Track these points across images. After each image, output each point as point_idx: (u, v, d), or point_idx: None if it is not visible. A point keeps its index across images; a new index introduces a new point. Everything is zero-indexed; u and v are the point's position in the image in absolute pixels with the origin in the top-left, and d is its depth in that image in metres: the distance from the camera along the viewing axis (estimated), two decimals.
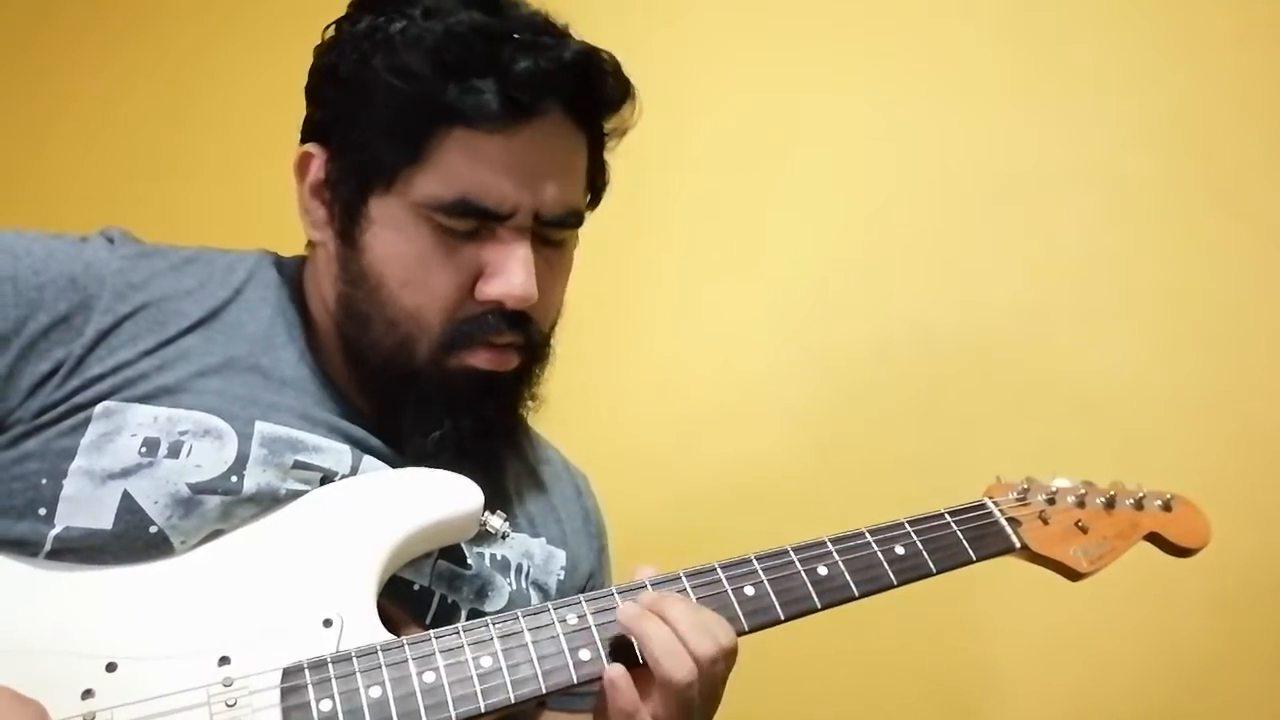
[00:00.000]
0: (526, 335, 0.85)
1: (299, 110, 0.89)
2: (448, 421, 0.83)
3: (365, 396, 0.87)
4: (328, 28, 0.86)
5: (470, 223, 0.81)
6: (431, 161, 0.79)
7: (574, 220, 0.87)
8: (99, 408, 0.76)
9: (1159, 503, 0.95)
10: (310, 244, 0.91)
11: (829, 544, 0.84)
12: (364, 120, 0.81)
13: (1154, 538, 0.95)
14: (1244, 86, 1.39)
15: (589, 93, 0.83)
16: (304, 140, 0.87)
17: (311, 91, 0.87)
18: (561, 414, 0.96)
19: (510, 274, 0.81)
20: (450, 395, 0.83)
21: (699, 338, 1.56)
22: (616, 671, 0.73)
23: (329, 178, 0.84)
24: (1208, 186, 1.39)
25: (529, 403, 0.91)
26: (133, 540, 0.74)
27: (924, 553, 0.86)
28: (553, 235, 0.85)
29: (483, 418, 0.85)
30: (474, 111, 0.78)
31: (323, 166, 0.84)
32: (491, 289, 0.81)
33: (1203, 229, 1.38)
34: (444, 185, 0.79)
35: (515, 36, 0.79)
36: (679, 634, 0.73)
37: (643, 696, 0.73)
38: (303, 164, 0.86)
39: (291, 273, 0.91)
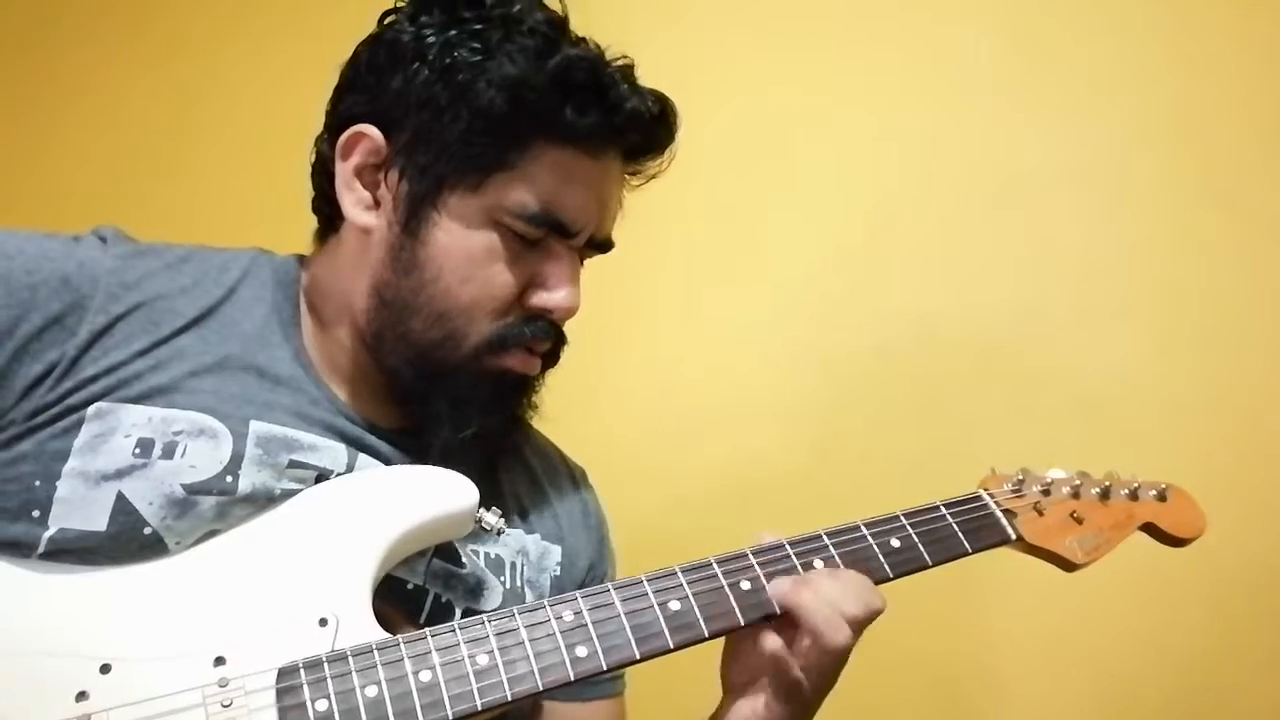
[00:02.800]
0: (554, 345, 0.89)
1: (300, 111, 0.90)
2: (478, 419, 0.85)
3: (372, 392, 0.88)
4: (390, 14, 0.87)
5: (541, 233, 0.84)
6: (524, 171, 0.82)
7: (610, 247, 0.92)
8: (92, 409, 0.76)
9: (1154, 493, 0.95)
10: (319, 235, 0.92)
11: (824, 538, 0.85)
12: (458, 118, 0.81)
13: (1149, 528, 0.95)
14: (1243, 87, 1.39)
15: (653, 138, 0.89)
16: (346, 116, 0.86)
17: (372, 75, 0.86)
18: (563, 414, 0.97)
19: (565, 289, 0.86)
20: (481, 394, 0.85)
21: (699, 338, 1.56)
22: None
23: (389, 163, 0.85)
24: (1207, 186, 1.39)
25: (529, 409, 0.92)
26: (127, 541, 0.74)
27: (919, 545, 0.86)
28: (588, 256, 0.91)
29: (509, 417, 0.88)
30: (583, 133, 0.83)
31: (378, 151, 0.85)
32: (547, 301, 0.85)
33: (1202, 229, 1.38)
34: (532, 196, 0.83)
35: (621, 74, 0.85)
36: (833, 603, 0.78)
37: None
38: (351, 144, 0.85)
39: (286, 270, 0.91)
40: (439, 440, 0.85)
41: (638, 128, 0.86)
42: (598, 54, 0.84)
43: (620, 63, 0.86)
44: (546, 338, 0.87)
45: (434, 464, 0.84)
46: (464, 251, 0.83)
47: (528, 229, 0.83)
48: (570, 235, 0.85)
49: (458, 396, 0.84)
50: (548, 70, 0.81)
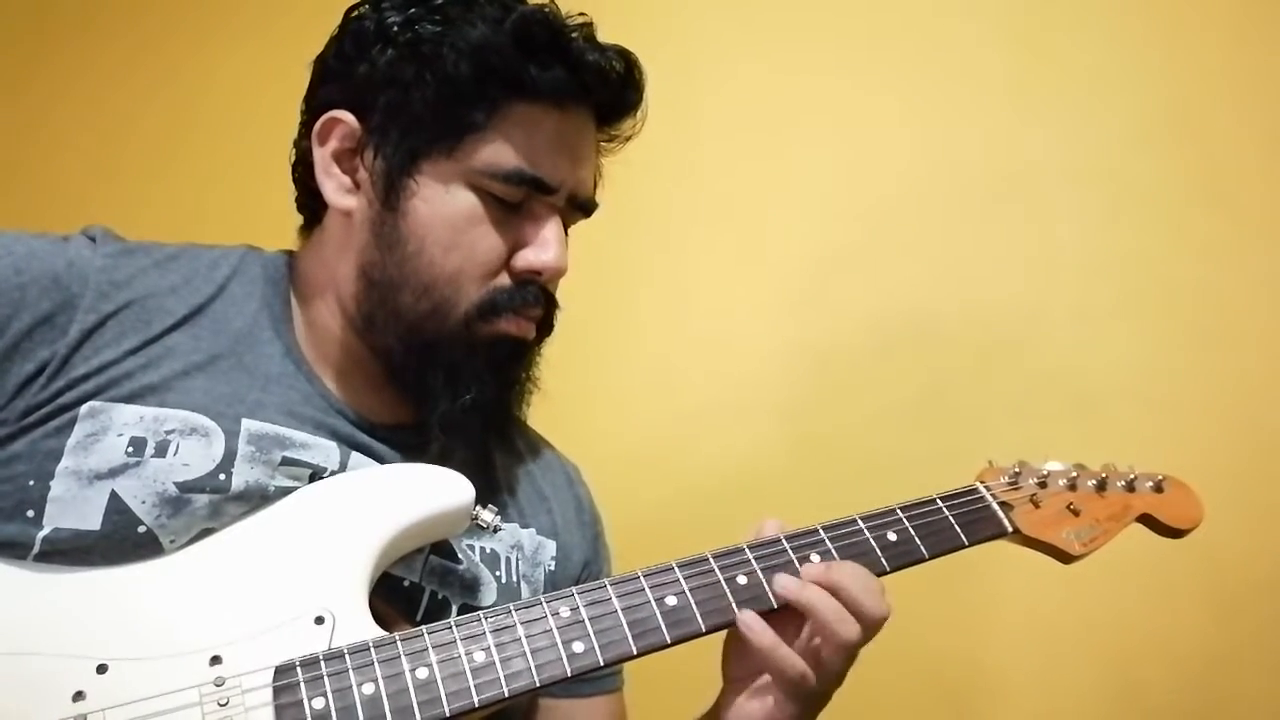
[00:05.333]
0: (546, 310, 0.89)
1: (295, 111, 0.90)
2: (475, 386, 0.85)
3: (367, 383, 0.87)
4: (354, 9, 0.88)
5: (520, 193, 0.84)
6: (495, 130, 0.83)
7: (593, 208, 0.92)
8: (84, 408, 0.75)
9: (1150, 484, 0.95)
10: (304, 230, 0.92)
11: (821, 531, 0.84)
12: (427, 87, 0.82)
13: (1146, 519, 0.94)
14: (1242, 86, 1.39)
15: (622, 96, 0.89)
16: (321, 108, 0.86)
17: (342, 60, 0.87)
18: (559, 411, 0.96)
19: (551, 247, 0.85)
20: (476, 361, 0.85)
21: (696, 335, 1.56)
22: (749, 616, 0.78)
23: (364, 143, 0.85)
24: (1206, 185, 1.39)
25: (529, 385, 0.92)
26: (121, 540, 0.74)
27: (916, 538, 0.86)
28: (572, 219, 0.91)
29: (506, 384, 0.88)
30: (548, 88, 0.83)
31: (353, 134, 0.85)
32: (534, 261, 0.85)
33: (1201, 228, 1.38)
34: (505, 153, 0.83)
35: (581, 32, 0.86)
36: (845, 596, 0.77)
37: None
38: (326, 129, 0.86)
39: (276, 266, 0.90)
40: (437, 416, 0.84)
41: (604, 83, 0.86)
42: (556, 12, 0.85)
43: (580, 20, 0.86)
44: (537, 303, 0.87)
45: (430, 461, 0.83)
46: (444, 219, 0.83)
47: (506, 189, 0.84)
48: (549, 191, 0.85)
49: (453, 366, 0.84)
50: (507, 29, 0.82)
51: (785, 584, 0.80)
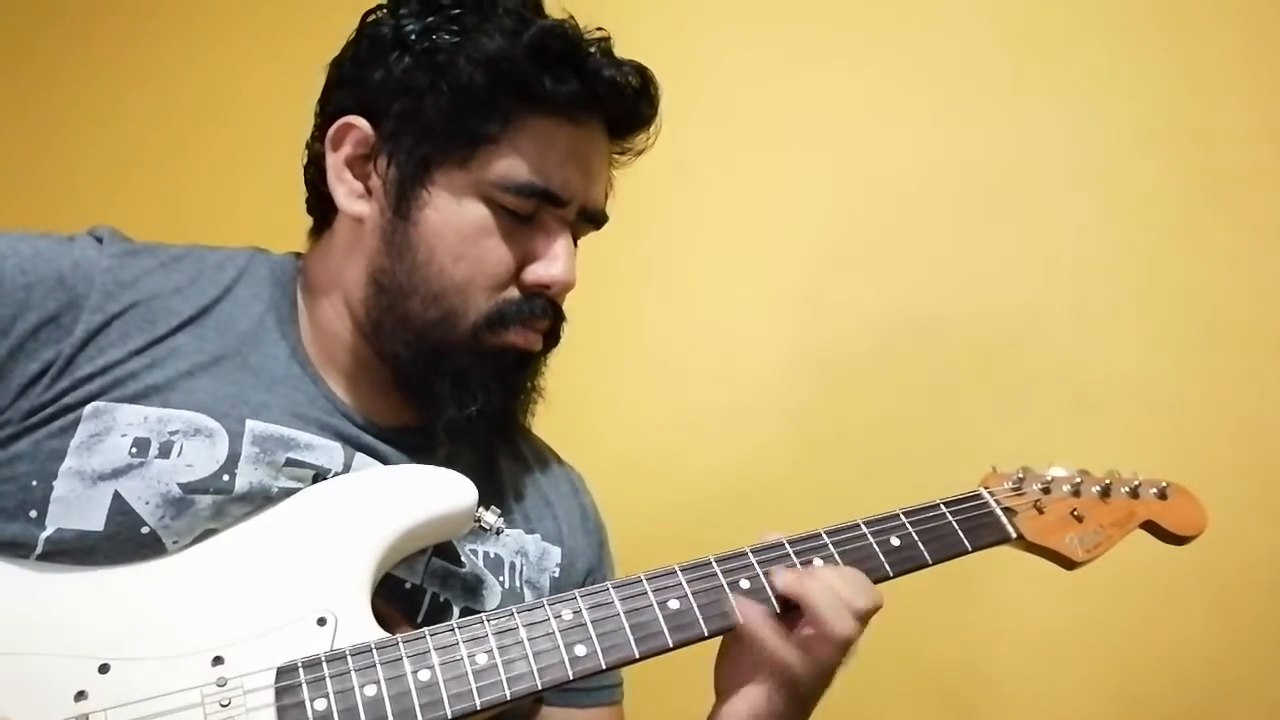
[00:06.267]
0: (553, 322, 0.89)
1: (299, 112, 0.90)
2: (481, 395, 0.85)
3: (373, 386, 0.87)
4: (371, 13, 0.88)
5: (531, 205, 0.84)
6: (508, 142, 0.83)
7: (603, 220, 0.92)
8: (88, 408, 0.76)
9: (1154, 491, 0.95)
10: (314, 233, 0.92)
11: (824, 536, 0.84)
12: (441, 97, 0.82)
13: (1150, 526, 0.94)
14: (1244, 86, 1.39)
15: (635, 110, 0.89)
16: (335, 113, 0.87)
17: (358, 65, 0.87)
18: (562, 417, 0.96)
19: (560, 262, 0.86)
20: (482, 371, 0.85)
21: (699, 339, 1.56)
22: (749, 607, 0.78)
23: (377, 150, 0.85)
24: (1210, 186, 1.39)
25: (534, 395, 0.92)
26: (124, 541, 0.74)
27: (919, 544, 0.86)
28: (582, 231, 0.91)
29: (512, 394, 0.89)
30: (563, 101, 0.83)
31: (366, 140, 0.85)
32: (543, 275, 0.85)
33: (1202, 228, 1.38)
34: (518, 165, 0.83)
35: (598, 46, 0.86)
36: (839, 593, 0.78)
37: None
38: (340, 135, 0.86)
39: (284, 268, 0.91)
40: (443, 423, 0.85)
41: (619, 98, 0.86)
42: (573, 26, 0.85)
43: (598, 35, 0.86)
44: (545, 315, 0.87)
45: (436, 464, 0.83)
46: (455, 229, 0.83)
47: (517, 201, 0.84)
48: (560, 204, 0.85)
49: (459, 374, 0.84)
50: (524, 42, 0.82)
51: (784, 576, 0.80)
